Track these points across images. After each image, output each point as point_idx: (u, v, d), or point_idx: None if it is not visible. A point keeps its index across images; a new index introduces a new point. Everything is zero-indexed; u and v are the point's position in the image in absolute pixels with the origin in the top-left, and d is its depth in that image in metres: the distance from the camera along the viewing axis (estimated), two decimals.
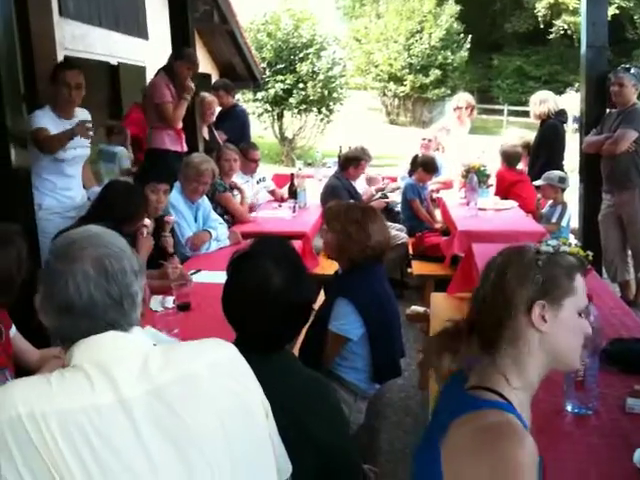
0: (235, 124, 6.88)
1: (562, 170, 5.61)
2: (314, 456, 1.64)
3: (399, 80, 24.52)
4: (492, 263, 1.50)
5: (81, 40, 6.49)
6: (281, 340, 1.77)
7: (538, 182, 5.24)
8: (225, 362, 1.29)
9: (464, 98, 6.93)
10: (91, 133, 3.87)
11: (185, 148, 5.27)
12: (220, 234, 4.32)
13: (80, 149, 3.95)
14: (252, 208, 5.61)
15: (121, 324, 1.22)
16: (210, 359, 1.27)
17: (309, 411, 1.67)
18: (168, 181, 3.71)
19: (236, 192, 5.25)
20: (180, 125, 5.21)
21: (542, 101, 6.01)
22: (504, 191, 5.86)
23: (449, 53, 24.34)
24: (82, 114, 4.00)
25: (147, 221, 3.37)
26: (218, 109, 6.67)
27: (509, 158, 5.96)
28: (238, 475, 1.20)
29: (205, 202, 4.46)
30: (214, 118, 6.44)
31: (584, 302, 1.46)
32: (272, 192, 6.17)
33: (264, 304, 1.69)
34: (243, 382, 1.29)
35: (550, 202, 5.25)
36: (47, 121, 3.74)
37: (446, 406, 1.51)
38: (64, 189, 3.92)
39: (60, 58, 5.84)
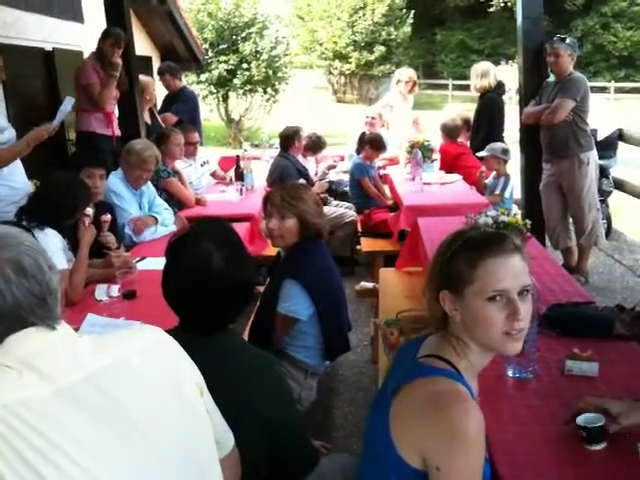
0: (187, 107, 6.81)
1: (503, 142, 5.72)
2: (261, 431, 1.67)
3: (344, 58, 24.48)
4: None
5: (12, 26, 6.27)
6: (223, 321, 1.77)
7: (482, 153, 5.33)
8: (154, 345, 1.30)
9: (406, 73, 6.97)
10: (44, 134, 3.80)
11: (117, 132, 5.18)
12: (166, 219, 4.26)
13: (1, 134, 3.77)
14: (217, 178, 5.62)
15: (47, 321, 1.20)
16: (139, 343, 1.28)
17: (254, 387, 1.69)
18: (102, 165, 3.63)
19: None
20: (112, 108, 5.12)
21: (483, 74, 6.11)
22: (449, 164, 5.95)
23: (392, 29, 24.38)
24: None
25: (89, 210, 3.29)
26: (163, 92, 6.56)
27: (449, 131, 6.06)
28: (178, 452, 1.22)
29: (150, 188, 4.39)
30: (154, 101, 6.34)
31: (491, 286, 1.45)
32: (213, 174, 6.11)
33: (204, 284, 1.68)
34: (173, 362, 1.31)
35: (493, 174, 5.35)
36: None
37: (397, 374, 1.56)
38: (11, 174, 3.77)
39: None
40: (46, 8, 6.97)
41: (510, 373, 2.07)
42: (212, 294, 1.69)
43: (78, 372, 1.15)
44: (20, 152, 3.74)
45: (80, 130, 5.11)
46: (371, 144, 5.91)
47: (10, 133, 3.78)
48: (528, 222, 2.80)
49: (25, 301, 1.17)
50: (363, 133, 6.24)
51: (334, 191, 6.43)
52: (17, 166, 3.85)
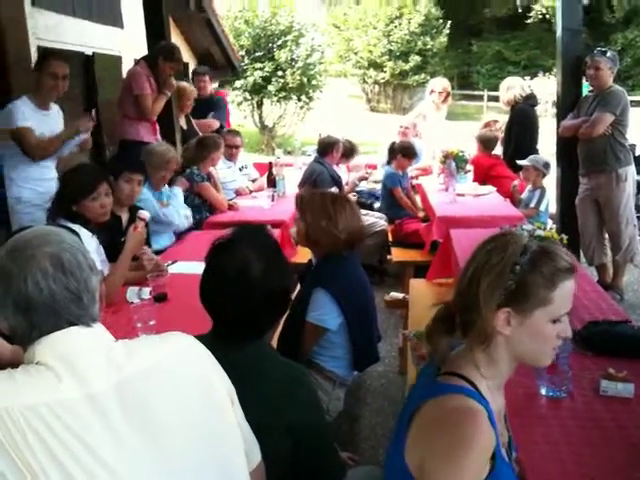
0: (222, 113, 6.92)
1: (537, 154, 5.65)
2: (289, 442, 1.65)
3: (379, 67, 24.45)
4: (477, 252, 1.48)
5: (54, 30, 6.39)
6: (259, 327, 1.77)
7: (523, 162, 5.23)
8: (186, 352, 1.31)
9: (439, 83, 6.94)
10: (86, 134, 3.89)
11: (159, 139, 5.23)
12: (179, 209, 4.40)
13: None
14: (238, 194, 5.62)
15: (82, 319, 1.21)
16: (172, 350, 1.29)
17: (285, 398, 1.68)
18: (142, 172, 3.66)
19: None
20: (155, 117, 5.18)
21: (508, 87, 6.12)
22: (482, 176, 5.89)
23: (428, 39, 24.28)
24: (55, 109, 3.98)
25: (144, 213, 3.31)
26: None
27: (485, 142, 6.00)
28: (207, 461, 1.22)
29: (166, 188, 4.45)
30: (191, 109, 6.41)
31: (563, 309, 1.42)
32: (254, 181, 6.14)
33: (242, 290, 1.70)
34: (204, 371, 1.30)
35: (529, 187, 5.28)
36: (28, 113, 3.70)
37: (416, 394, 1.52)
38: (38, 179, 3.86)
39: (33, 49, 5.75)
40: (87, 13, 7.11)
41: (543, 392, 2.02)
42: (249, 300, 1.71)
43: (112, 376, 1.16)
44: (61, 140, 3.88)
45: (126, 138, 5.15)
46: (403, 152, 5.87)
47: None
48: (564, 237, 2.74)
49: (60, 296, 1.19)
50: (393, 142, 6.22)
51: (363, 203, 6.39)
52: (48, 174, 3.95)
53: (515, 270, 1.39)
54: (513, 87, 6.06)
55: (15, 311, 1.18)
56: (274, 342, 2.98)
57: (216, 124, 6.59)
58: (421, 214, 5.76)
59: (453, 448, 1.31)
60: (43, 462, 1.05)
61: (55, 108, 3.99)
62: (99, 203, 3.05)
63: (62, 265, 1.20)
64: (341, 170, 6.44)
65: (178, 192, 4.52)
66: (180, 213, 4.37)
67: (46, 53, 3.97)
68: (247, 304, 1.71)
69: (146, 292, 2.99)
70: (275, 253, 1.82)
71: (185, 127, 6.26)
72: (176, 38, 8.79)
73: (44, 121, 3.80)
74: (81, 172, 3.16)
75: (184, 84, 6.24)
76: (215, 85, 9.83)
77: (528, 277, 1.39)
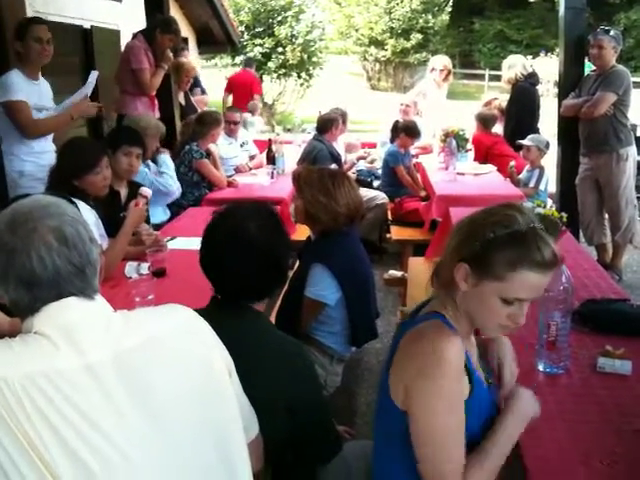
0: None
1: (538, 133, 5.62)
2: (287, 415, 1.67)
3: (380, 44, 24.22)
4: (483, 208, 1.55)
5: (52, 3, 6.31)
6: (256, 293, 1.79)
7: (524, 141, 5.20)
8: (184, 324, 1.30)
9: (440, 60, 6.89)
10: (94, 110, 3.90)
11: (157, 114, 5.19)
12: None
13: (46, 112, 3.85)
14: (238, 171, 5.60)
15: (85, 292, 1.21)
16: (170, 322, 1.28)
17: (283, 370, 1.69)
18: (140, 144, 3.62)
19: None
20: (154, 92, 5.13)
21: (510, 66, 6.09)
22: (483, 154, 5.87)
23: (430, 17, 24.03)
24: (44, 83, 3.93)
25: (147, 191, 3.30)
26: None
27: (484, 121, 5.97)
28: (205, 434, 1.22)
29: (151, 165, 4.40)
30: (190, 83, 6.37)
31: (516, 294, 1.45)
32: (253, 157, 6.11)
33: (238, 248, 1.73)
34: (203, 343, 1.30)
35: (527, 166, 5.26)
36: (21, 85, 3.65)
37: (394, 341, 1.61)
38: (40, 152, 3.81)
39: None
40: None
41: (541, 367, 2.03)
42: (244, 260, 1.73)
43: (110, 347, 1.16)
44: (62, 123, 3.84)
45: (122, 113, 5.10)
46: (406, 131, 5.83)
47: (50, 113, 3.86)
48: (564, 215, 2.73)
49: (64, 270, 1.18)
50: (397, 121, 6.18)
51: (362, 181, 6.36)
52: (47, 145, 3.91)
53: (487, 236, 1.44)
54: (514, 65, 6.03)
55: (17, 285, 1.17)
56: (272, 319, 2.99)
57: (206, 99, 6.55)
58: (423, 193, 5.74)
59: (427, 364, 1.41)
60: (41, 432, 1.05)
61: (43, 80, 3.92)
62: (101, 176, 3.05)
63: (65, 238, 1.18)
64: (340, 147, 6.40)
65: (166, 159, 4.43)
66: (175, 179, 4.35)
67: (25, 21, 3.88)
68: (242, 264, 1.73)
69: (145, 267, 2.99)
70: (273, 221, 1.85)
71: (184, 103, 6.22)
72: (175, 12, 8.68)
73: (34, 91, 3.75)
74: (82, 146, 3.14)
75: (183, 60, 6.20)
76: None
77: (493, 249, 1.43)
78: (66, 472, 1.05)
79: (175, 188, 4.33)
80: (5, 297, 1.21)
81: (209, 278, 1.81)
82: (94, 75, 4.07)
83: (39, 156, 3.76)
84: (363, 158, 6.85)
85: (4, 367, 1.08)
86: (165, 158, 4.42)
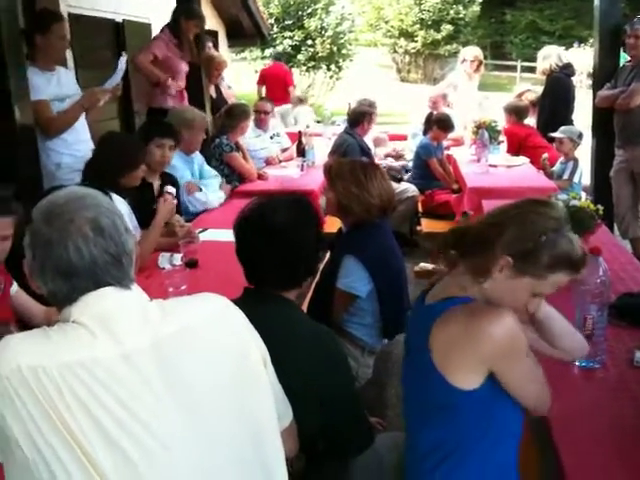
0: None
1: (572, 124, 5.53)
2: (320, 404, 1.67)
3: (410, 36, 24.03)
4: (524, 205, 1.61)
5: None
6: (288, 282, 1.83)
7: (556, 134, 5.13)
8: (220, 313, 1.31)
9: (471, 51, 6.81)
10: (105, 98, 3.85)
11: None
12: (213, 183, 4.37)
13: (69, 100, 3.81)
14: (268, 162, 5.60)
15: (122, 282, 1.22)
16: (206, 311, 1.29)
17: (316, 359, 1.70)
18: (172, 136, 3.64)
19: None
20: (183, 84, 5.15)
21: (545, 57, 5.98)
22: (516, 146, 5.79)
23: (461, 8, 23.77)
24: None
25: (171, 188, 3.33)
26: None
27: (517, 112, 5.89)
28: (240, 421, 1.22)
29: (198, 155, 4.43)
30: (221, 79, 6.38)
31: (545, 291, 1.58)
32: (285, 150, 6.10)
33: (270, 238, 1.77)
34: (238, 332, 1.31)
35: (561, 159, 5.18)
36: (37, 81, 3.59)
37: (418, 325, 1.66)
38: (74, 143, 3.81)
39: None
40: None
41: (577, 362, 2.00)
42: (277, 249, 1.77)
43: (148, 336, 1.17)
44: (75, 115, 3.78)
45: (153, 107, 5.13)
46: (439, 124, 5.78)
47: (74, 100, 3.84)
48: (600, 208, 2.69)
49: (101, 260, 1.19)
50: (431, 113, 6.13)
51: (392, 176, 6.30)
52: (82, 136, 3.90)
53: (541, 238, 1.52)
54: (549, 56, 5.92)
55: (55, 276, 1.18)
56: (303, 309, 2.99)
57: (232, 94, 6.55)
58: (455, 186, 5.69)
59: (508, 345, 1.49)
60: (80, 419, 1.07)
61: (61, 69, 3.89)
62: (140, 171, 3.12)
63: (101, 229, 1.19)
64: (368, 141, 6.36)
65: (215, 181, 4.44)
66: (217, 192, 4.31)
67: (47, 14, 3.83)
68: (274, 254, 1.77)
69: (177, 258, 3.01)
70: (303, 208, 1.90)
71: (214, 96, 6.24)
72: (205, 5, 8.69)
73: (53, 82, 3.73)
74: (125, 144, 3.19)
75: (214, 53, 6.21)
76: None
77: (544, 250, 1.51)
78: (106, 461, 1.07)
79: (209, 204, 4.21)
80: (43, 288, 1.22)
81: (245, 266, 1.84)
82: (123, 60, 4.04)
83: (75, 147, 3.77)
84: (391, 156, 6.79)
85: (42, 356, 1.10)
86: (213, 180, 4.42)
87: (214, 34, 10.24)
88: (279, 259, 1.78)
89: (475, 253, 1.59)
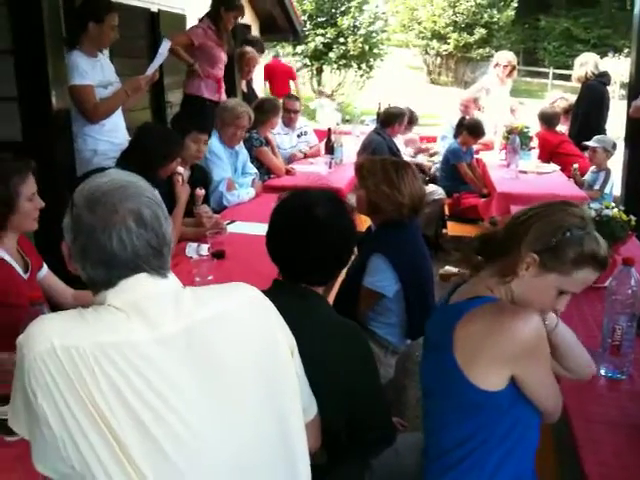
0: None
1: (604, 133, 5.47)
2: (344, 398, 1.68)
3: (442, 38, 23.93)
4: (546, 205, 1.62)
5: None
6: (324, 275, 1.84)
7: (590, 143, 5.07)
8: (250, 301, 1.32)
9: (504, 56, 6.75)
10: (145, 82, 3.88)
11: (224, 97, 5.23)
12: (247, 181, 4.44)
13: (111, 87, 3.85)
14: (291, 160, 5.62)
15: (161, 271, 1.23)
16: (238, 298, 1.30)
17: (343, 355, 1.70)
18: (208, 131, 3.68)
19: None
20: (221, 74, 5.17)
21: (582, 63, 5.92)
22: (548, 153, 5.74)
23: (495, 12, 23.60)
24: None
25: (181, 169, 3.36)
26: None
27: (549, 119, 5.84)
28: (268, 409, 1.23)
29: (243, 151, 4.48)
30: (252, 75, 6.41)
31: (573, 289, 1.58)
32: (311, 147, 6.10)
33: (311, 231, 1.77)
34: (268, 321, 1.32)
35: (593, 168, 5.12)
36: (83, 66, 3.64)
37: (441, 323, 1.67)
38: (112, 131, 3.84)
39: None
40: None
41: (603, 372, 1.98)
42: (318, 243, 1.77)
43: (181, 321, 1.18)
44: (119, 101, 3.81)
45: (189, 93, 5.17)
46: (469, 129, 5.76)
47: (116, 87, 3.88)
48: (633, 218, 2.66)
49: (143, 251, 1.20)
50: (463, 117, 6.10)
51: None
52: (119, 124, 3.93)
53: (565, 234, 1.53)
54: (586, 63, 5.86)
55: (96, 264, 1.19)
56: None
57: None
58: (485, 190, 5.66)
59: (531, 347, 1.51)
60: (110, 401, 1.08)
61: (102, 56, 3.92)
62: (175, 163, 3.19)
63: (144, 221, 1.19)
64: (399, 141, 6.35)
65: (249, 178, 4.49)
66: (244, 190, 4.34)
67: (105, 4, 3.86)
68: (314, 247, 1.77)
69: (204, 248, 3.04)
70: (340, 203, 1.90)
71: (245, 90, 6.27)
72: None
73: (97, 68, 3.77)
74: (167, 137, 3.22)
75: (247, 48, 6.23)
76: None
77: (569, 246, 1.52)
78: (134, 443, 1.07)
79: (247, 198, 4.27)
80: (82, 273, 1.23)
81: (276, 259, 1.83)
82: (166, 45, 4.05)
83: (112, 135, 3.80)
84: (423, 151, 6.78)
85: (77, 337, 1.11)
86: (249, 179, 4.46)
87: (247, 28, 10.27)
88: (321, 255, 1.79)
89: (502, 254, 1.61)
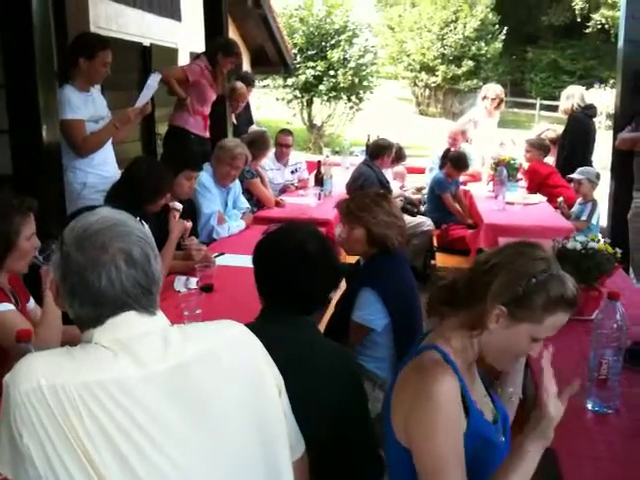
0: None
1: (591, 165, 5.55)
2: (330, 427, 1.71)
3: (431, 70, 24.25)
4: (507, 249, 1.57)
5: (115, 20, 6.51)
6: (313, 303, 1.93)
7: (575, 175, 5.13)
8: (238, 340, 1.32)
9: (493, 89, 6.85)
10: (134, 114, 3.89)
11: (207, 134, 5.27)
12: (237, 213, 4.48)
13: (102, 121, 3.86)
14: (282, 191, 5.66)
15: (149, 309, 1.23)
16: (226, 337, 1.30)
17: (334, 375, 1.77)
18: (199, 168, 3.73)
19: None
20: (208, 111, 5.22)
21: (568, 96, 6.02)
22: (537, 184, 5.80)
23: (483, 44, 23.97)
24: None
25: (178, 205, 3.38)
26: None
27: (542, 149, 5.92)
28: (254, 447, 1.23)
29: (236, 185, 4.50)
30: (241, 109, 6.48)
31: (546, 334, 1.51)
32: (301, 181, 6.13)
33: (304, 264, 1.85)
34: (255, 359, 1.32)
35: (579, 200, 5.18)
36: (75, 100, 3.67)
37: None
38: (101, 164, 3.84)
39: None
40: (147, 5, 7.21)
41: (590, 406, 1.99)
42: (305, 273, 1.85)
43: (169, 360, 1.18)
44: (108, 135, 3.83)
45: (174, 124, 5.21)
46: (453, 162, 5.82)
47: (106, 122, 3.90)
48: (619, 251, 2.69)
49: (132, 291, 1.20)
50: (448, 149, 6.16)
51: (409, 210, 6.28)
52: (109, 157, 3.95)
53: (530, 282, 1.47)
54: (572, 96, 5.96)
55: (84, 303, 1.19)
56: None
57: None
58: (470, 220, 5.70)
59: (420, 405, 1.42)
60: (96, 441, 1.07)
61: (95, 90, 3.94)
62: (165, 199, 3.21)
63: (134, 260, 1.20)
64: (389, 174, 6.39)
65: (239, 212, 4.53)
66: (233, 223, 4.36)
67: (96, 41, 3.88)
68: (304, 277, 1.84)
69: (193, 282, 3.04)
70: (325, 239, 2.00)
71: (235, 122, 6.32)
72: (232, 33, 8.85)
73: (89, 103, 3.79)
74: (160, 172, 3.23)
75: (237, 84, 6.27)
76: None
77: (536, 293, 1.47)
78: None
79: (236, 230, 4.30)
80: (69, 310, 1.23)
81: (265, 290, 1.90)
82: (155, 78, 4.05)
83: (101, 168, 3.81)
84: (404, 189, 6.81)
85: (63, 375, 1.11)
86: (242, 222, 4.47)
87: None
88: (313, 285, 1.87)
89: (467, 306, 1.54)
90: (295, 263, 1.84)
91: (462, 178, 6.36)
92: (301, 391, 1.42)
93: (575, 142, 5.89)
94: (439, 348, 1.52)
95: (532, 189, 5.80)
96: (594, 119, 6.21)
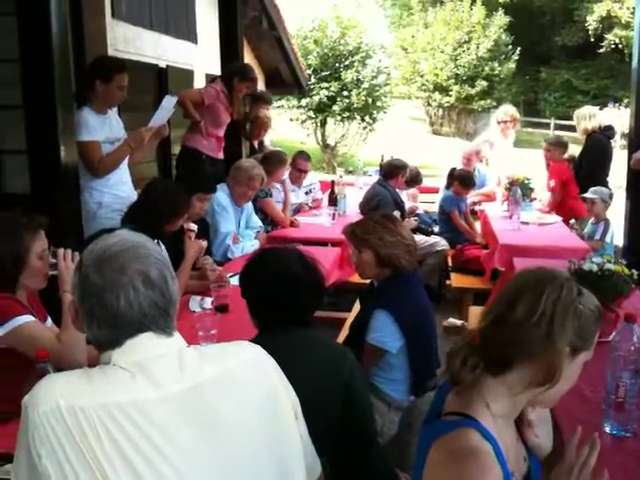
0: None
1: (606, 186, 5.52)
2: (341, 407, 1.90)
3: (444, 90, 24.32)
4: (531, 285, 1.42)
5: (132, 42, 6.59)
6: (304, 317, 2.09)
7: (588, 195, 5.12)
8: (254, 361, 1.33)
9: (508, 112, 6.85)
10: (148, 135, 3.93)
11: (220, 155, 5.30)
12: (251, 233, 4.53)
13: (118, 143, 3.91)
14: (297, 211, 5.70)
15: (167, 330, 1.24)
16: (242, 359, 1.31)
17: (337, 362, 1.99)
18: (213, 190, 3.77)
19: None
20: (222, 133, 5.25)
21: (587, 117, 5.94)
22: (562, 184, 5.83)
23: (496, 64, 24.05)
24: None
25: (193, 226, 3.42)
26: None
27: (562, 145, 6.02)
28: (269, 469, 1.23)
29: (249, 204, 4.53)
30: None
31: (591, 354, 1.43)
32: (315, 201, 6.16)
33: (289, 285, 2.03)
34: (271, 381, 1.32)
35: (592, 219, 5.16)
36: (92, 123, 3.73)
37: (422, 438, 1.47)
38: (117, 184, 3.89)
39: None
40: (163, 27, 7.30)
41: (607, 429, 1.97)
42: (293, 292, 2.02)
43: (185, 381, 1.19)
44: (123, 155, 3.89)
45: (187, 145, 5.25)
46: (460, 180, 5.89)
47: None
48: (635, 273, 2.67)
49: (150, 312, 1.21)
50: (454, 168, 6.19)
51: (423, 230, 6.27)
52: (125, 177, 4.00)
53: (577, 310, 1.37)
54: (594, 116, 5.93)
55: (102, 325, 1.20)
56: None
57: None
58: (479, 239, 5.69)
59: None
60: (114, 463, 1.08)
61: (112, 112, 4.00)
62: (182, 220, 3.25)
63: (151, 282, 1.21)
64: (403, 195, 6.39)
65: (253, 231, 4.57)
66: (248, 242, 4.39)
67: (113, 65, 3.94)
68: (292, 295, 2.02)
69: (208, 302, 3.05)
70: (308, 259, 2.14)
71: (257, 147, 6.33)
72: (247, 55, 8.93)
73: (106, 125, 3.85)
74: (177, 195, 3.27)
75: (263, 113, 6.26)
76: None
77: (584, 318, 1.38)
78: None
79: (251, 250, 4.23)
80: (88, 332, 1.24)
81: (259, 312, 2.12)
82: (170, 100, 4.09)
83: (117, 188, 3.85)
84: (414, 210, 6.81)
85: (82, 397, 1.12)
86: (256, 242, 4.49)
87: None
88: (300, 302, 2.04)
89: (522, 364, 1.38)
90: (282, 283, 2.02)
91: (477, 198, 6.37)
92: (303, 396, 1.41)
93: (593, 162, 5.86)
94: (478, 425, 1.36)
95: (559, 188, 5.81)
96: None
